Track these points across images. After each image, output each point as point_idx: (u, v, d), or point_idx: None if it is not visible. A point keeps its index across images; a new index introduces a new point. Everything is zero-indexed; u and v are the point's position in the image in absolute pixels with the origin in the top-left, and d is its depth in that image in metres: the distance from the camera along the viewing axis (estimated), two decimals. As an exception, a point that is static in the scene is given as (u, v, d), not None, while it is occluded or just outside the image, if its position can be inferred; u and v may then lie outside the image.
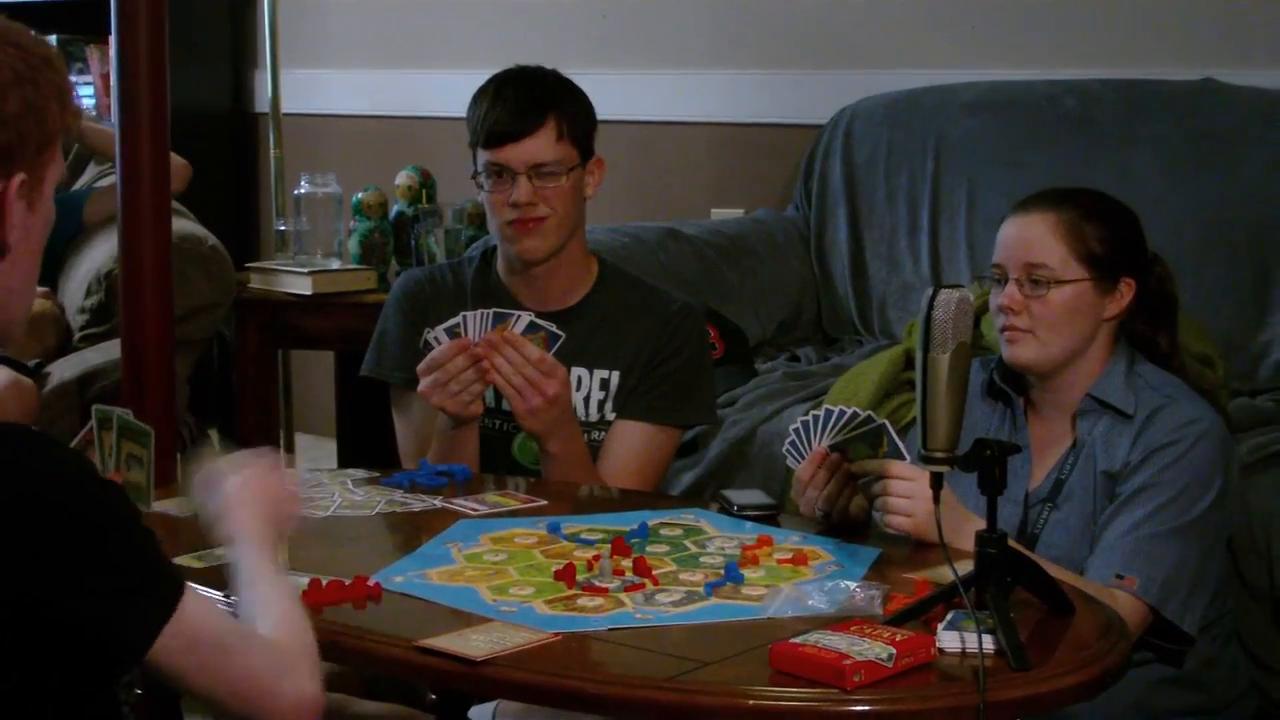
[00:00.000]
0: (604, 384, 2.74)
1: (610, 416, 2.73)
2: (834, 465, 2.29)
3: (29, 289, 1.66)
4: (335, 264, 4.10)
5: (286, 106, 4.69)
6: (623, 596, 2.00)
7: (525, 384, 2.51)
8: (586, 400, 2.74)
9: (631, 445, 2.70)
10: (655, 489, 2.75)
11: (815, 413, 2.31)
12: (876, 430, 2.25)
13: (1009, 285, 2.44)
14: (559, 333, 2.54)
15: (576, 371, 2.72)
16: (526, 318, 2.54)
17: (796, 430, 2.32)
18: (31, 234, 1.61)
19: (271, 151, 4.66)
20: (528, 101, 2.68)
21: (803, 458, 2.31)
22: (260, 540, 1.80)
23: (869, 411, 2.28)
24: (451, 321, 2.55)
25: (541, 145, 2.67)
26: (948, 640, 1.83)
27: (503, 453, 2.73)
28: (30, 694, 1.52)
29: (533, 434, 2.59)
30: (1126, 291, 2.47)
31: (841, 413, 2.29)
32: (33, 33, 1.61)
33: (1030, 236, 2.44)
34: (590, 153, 2.74)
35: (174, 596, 1.57)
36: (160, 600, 1.56)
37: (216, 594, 1.89)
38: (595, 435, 2.72)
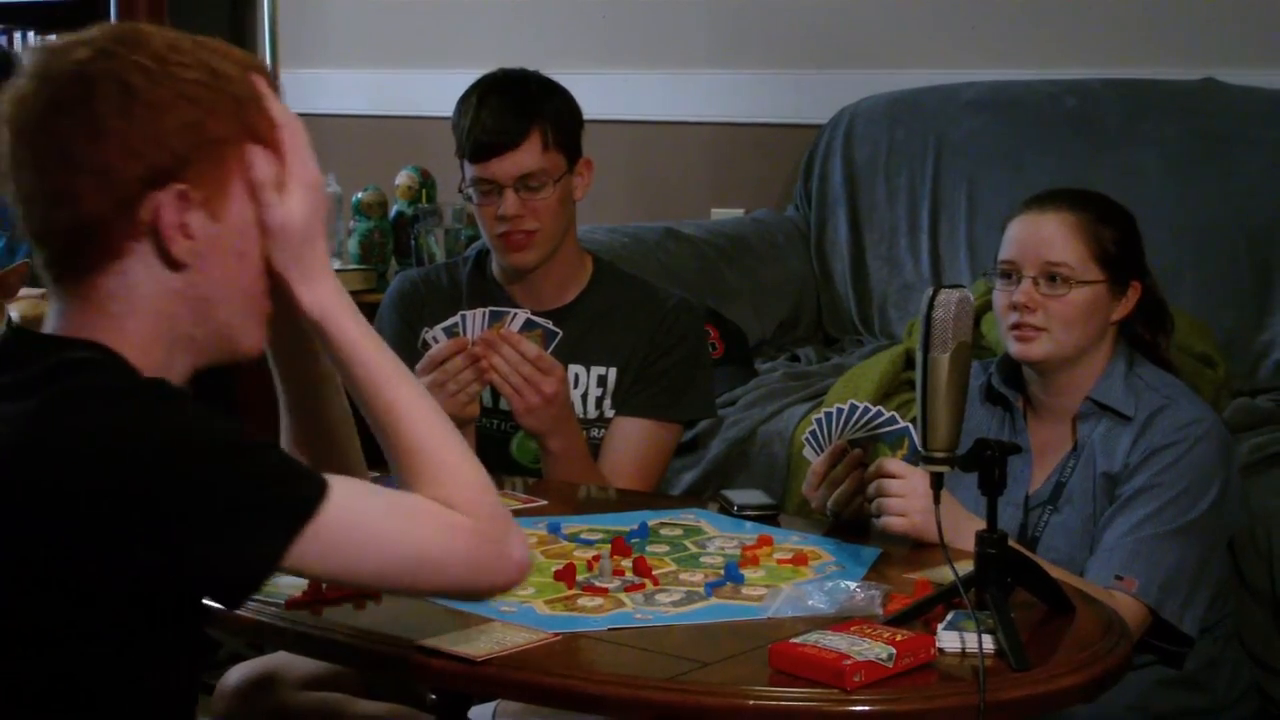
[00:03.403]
0: (602, 381, 2.74)
1: (609, 413, 2.73)
2: (854, 461, 2.27)
3: (236, 297, 1.56)
4: (335, 264, 4.08)
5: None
6: (623, 596, 2.00)
7: (523, 382, 2.50)
8: (585, 397, 2.73)
9: (632, 442, 2.70)
10: (656, 485, 2.74)
11: (840, 405, 2.28)
12: (899, 432, 2.23)
13: (1024, 283, 2.43)
14: (556, 330, 2.53)
15: (574, 369, 2.71)
16: (523, 315, 2.53)
17: (819, 421, 2.29)
18: (221, 241, 1.53)
19: (271, 151, 4.64)
20: (511, 112, 2.65)
21: (822, 449, 2.30)
22: (348, 307, 1.69)
23: (893, 413, 2.27)
24: (450, 321, 2.54)
25: (527, 157, 2.65)
26: (948, 640, 1.82)
27: (501, 452, 2.72)
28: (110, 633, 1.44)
29: (532, 432, 2.58)
30: (1133, 295, 2.47)
31: (866, 409, 2.26)
32: (232, 47, 1.58)
33: (1049, 235, 2.43)
34: (578, 155, 2.72)
35: (299, 513, 1.47)
36: (277, 524, 1.47)
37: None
38: (594, 432, 2.72)
